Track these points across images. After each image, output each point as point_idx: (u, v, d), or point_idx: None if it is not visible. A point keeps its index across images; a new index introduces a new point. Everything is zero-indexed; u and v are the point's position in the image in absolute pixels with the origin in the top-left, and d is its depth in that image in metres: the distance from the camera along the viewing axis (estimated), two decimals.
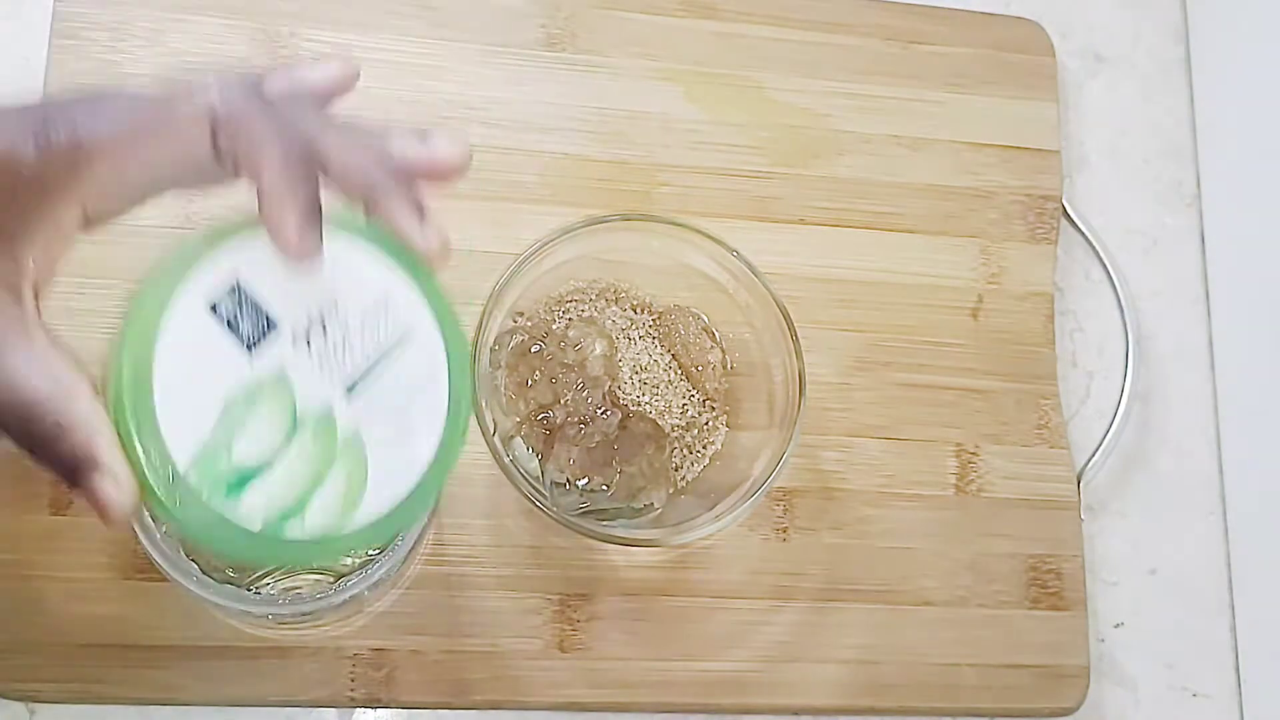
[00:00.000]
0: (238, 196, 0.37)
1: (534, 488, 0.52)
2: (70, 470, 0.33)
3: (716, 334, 0.57)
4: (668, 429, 0.55)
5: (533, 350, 0.54)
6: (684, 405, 0.56)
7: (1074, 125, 0.69)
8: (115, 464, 0.33)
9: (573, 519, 0.51)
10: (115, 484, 0.33)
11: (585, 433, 0.52)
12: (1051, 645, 0.59)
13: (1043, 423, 0.62)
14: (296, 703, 0.53)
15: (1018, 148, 0.65)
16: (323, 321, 0.36)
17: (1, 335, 0.33)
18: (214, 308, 0.35)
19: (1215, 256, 0.68)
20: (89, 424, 0.33)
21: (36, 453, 0.33)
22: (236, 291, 0.35)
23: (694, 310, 0.57)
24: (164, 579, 0.53)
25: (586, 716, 0.56)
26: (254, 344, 0.35)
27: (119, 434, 0.34)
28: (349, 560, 0.46)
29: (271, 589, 0.49)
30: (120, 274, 0.56)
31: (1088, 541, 0.62)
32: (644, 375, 0.56)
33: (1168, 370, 0.66)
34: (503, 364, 0.54)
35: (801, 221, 0.62)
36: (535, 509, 0.51)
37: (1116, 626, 0.62)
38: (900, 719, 0.58)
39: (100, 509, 0.33)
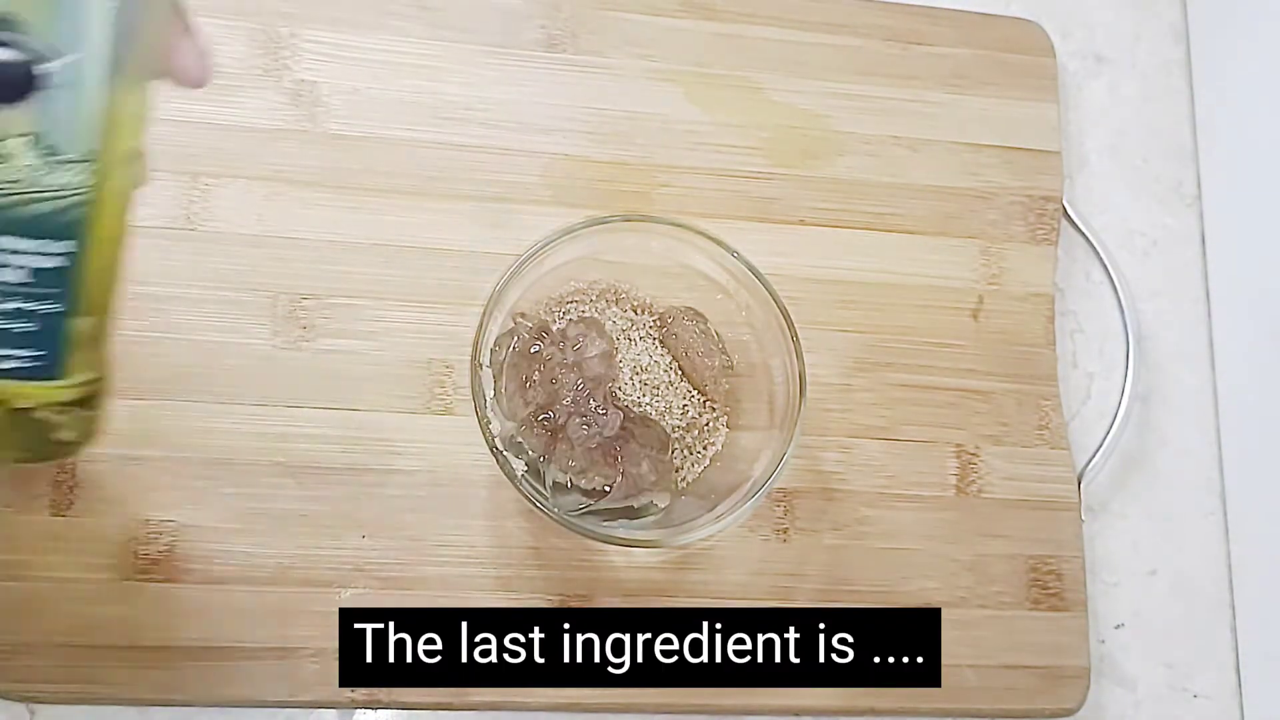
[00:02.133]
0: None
1: (534, 488, 0.52)
2: None
3: (717, 335, 0.57)
4: (668, 430, 0.55)
5: (533, 351, 0.54)
6: (684, 406, 0.56)
7: (1074, 126, 0.69)
8: None
9: (573, 520, 0.51)
10: None
11: (586, 434, 0.52)
12: (1052, 646, 0.59)
13: (1043, 423, 0.62)
14: (296, 703, 0.53)
15: (1018, 148, 0.65)
16: None
17: None
18: None
19: (1216, 257, 0.68)
20: None
21: None
22: None
23: (695, 311, 0.57)
24: (165, 580, 0.53)
25: (586, 717, 0.56)
26: None
27: None
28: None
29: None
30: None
31: (1088, 542, 0.62)
32: (644, 376, 0.56)
33: (1168, 371, 0.66)
34: (503, 364, 0.54)
35: (801, 222, 0.62)
36: (535, 510, 0.51)
37: (1117, 627, 0.62)
38: (901, 719, 0.58)
39: None
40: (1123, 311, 0.65)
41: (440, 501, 0.56)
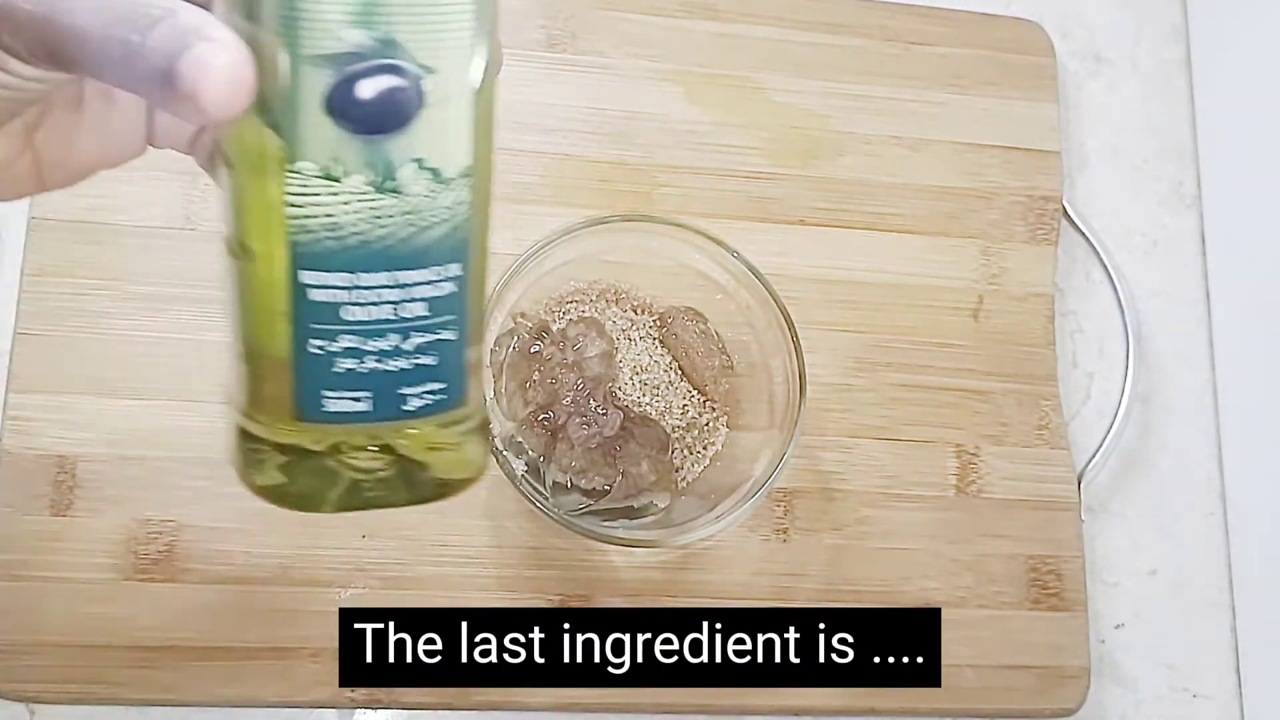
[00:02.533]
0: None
1: (534, 488, 0.52)
2: (164, 63, 0.27)
3: (717, 335, 0.57)
4: (668, 430, 0.55)
5: (533, 351, 0.54)
6: (684, 406, 0.56)
7: (1074, 126, 0.69)
8: (222, 32, 0.27)
9: (573, 520, 0.51)
10: (225, 50, 0.27)
11: (586, 434, 0.52)
12: (1052, 646, 0.59)
13: (1043, 423, 0.62)
14: (296, 703, 0.53)
15: (1018, 148, 0.65)
16: None
17: None
18: None
19: (1215, 257, 0.68)
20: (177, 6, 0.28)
21: (112, 68, 0.28)
22: None
23: (694, 311, 0.57)
24: (164, 580, 0.53)
25: (586, 717, 0.56)
26: None
27: None
28: None
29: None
30: (120, 274, 0.56)
31: (1088, 542, 0.62)
32: (644, 376, 0.56)
33: (1168, 371, 0.66)
34: (503, 364, 0.54)
35: (801, 222, 0.62)
36: (535, 510, 0.51)
37: (1117, 627, 0.62)
38: (901, 719, 0.58)
39: (206, 90, 0.27)
40: (1123, 312, 0.65)
41: (440, 501, 0.56)
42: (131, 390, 0.55)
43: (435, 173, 0.31)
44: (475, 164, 0.32)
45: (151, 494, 0.54)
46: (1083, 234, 0.65)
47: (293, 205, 0.30)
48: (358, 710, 0.54)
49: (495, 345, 0.54)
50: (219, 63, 0.27)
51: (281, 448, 0.33)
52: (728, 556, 0.57)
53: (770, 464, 0.52)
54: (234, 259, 0.32)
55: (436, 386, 0.33)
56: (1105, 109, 0.70)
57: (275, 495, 0.34)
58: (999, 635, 0.59)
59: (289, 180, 0.30)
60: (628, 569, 0.57)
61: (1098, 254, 0.66)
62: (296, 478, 0.34)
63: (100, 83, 0.29)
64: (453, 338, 0.33)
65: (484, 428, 0.36)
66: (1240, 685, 0.62)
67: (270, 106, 0.29)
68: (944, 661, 0.56)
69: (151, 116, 0.35)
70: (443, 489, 0.35)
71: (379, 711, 0.54)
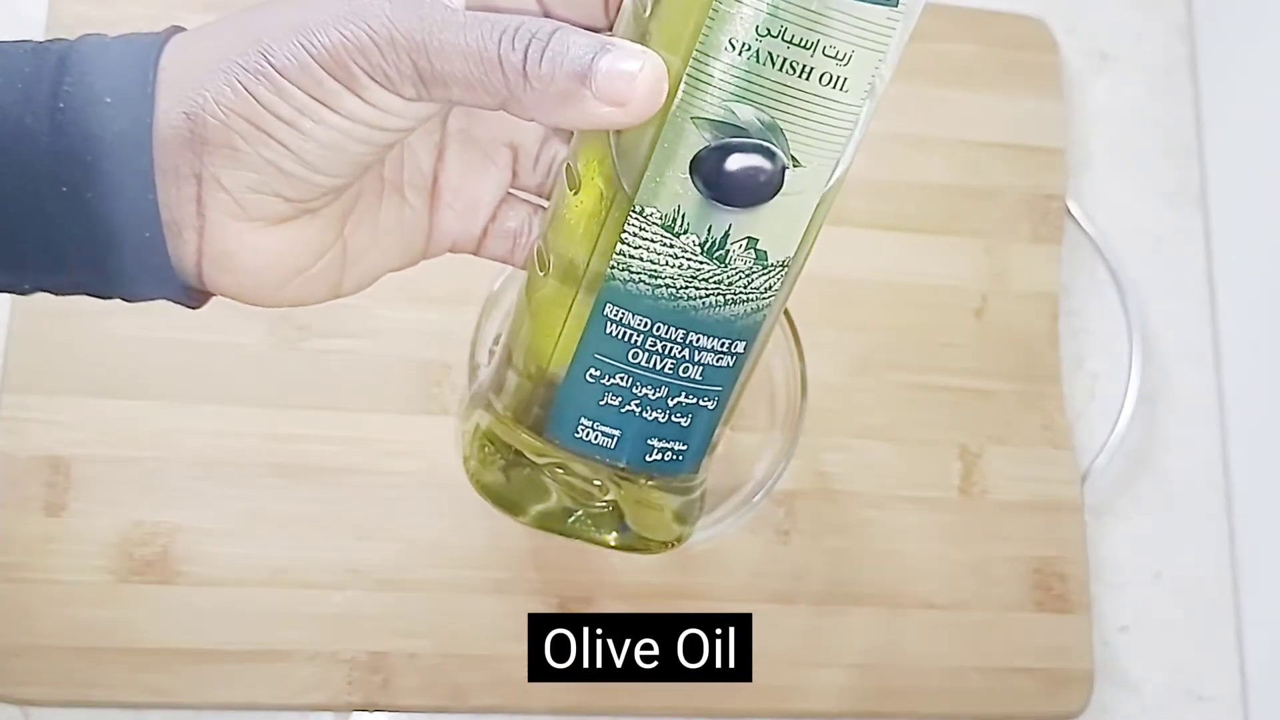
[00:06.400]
0: None
1: None
2: (574, 66, 0.27)
3: None
4: None
5: None
6: None
7: (1078, 124, 0.68)
8: (626, 43, 0.28)
9: None
10: (640, 55, 0.28)
11: None
12: (1056, 648, 0.59)
13: (1047, 424, 0.62)
14: (293, 706, 0.53)
15: (1022, 146, 0.65)
16: None
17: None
18: None
19: (1221, 256, 0.67)
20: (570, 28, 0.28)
21: (494, 80, 0.28)
22: None
23: None
24: (159, 582, 0.53)
25: (586, 718, 0.56)
26: None
27: None
28: None
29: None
30: None
31: (1092, 544, 0.61)
32: None
33: (1173, 371, 0.66)
34: None
35: None
36: None
37: (1121, 629, 0.62)
38: None
39: (632, 89, 0.28)
40: (1127, 311, 0.65)
41: (437, 503, 0.55)
42: (126, 391, 0.54)
43: (761, 255, 0.32)
44: (795, 257, 0.33)
45: (146, 495, 0.53)
46: (1087, 233, 0.65)
47: (625, 243, 0.31)
48: (354, 714, 0.54)
49: (493, 345, 0.53)
50: (637, 67, 0.27)
51: (515, 453, 0.35)
52: (728, 559, 0.57)
53: (771, 466, 0.52)
54: (539, 271, 0.33)
55: (680, 447, 0.35)
56: (1110, 106, 0.69)
57: (492, 493, 0.36)
58: (1002, 638, 0.58)
59: (630, 219, 0.31)
60: (627, 572, 0.56)
61: (1102, 253, 0.65)
62: (514, 482, 0.35)
63: (465, 104, 0.29)
64: (711, 407, 0.34)
65: (697, 505, 0.37)
66: (1245, 688, 0.62)
67: (635, 151, 0.30)
68: (947, 665, 0.56)
69: (434, 217, 0.36)
70: (638, 543, 0.36)
71: (375, 714, 0.54)
